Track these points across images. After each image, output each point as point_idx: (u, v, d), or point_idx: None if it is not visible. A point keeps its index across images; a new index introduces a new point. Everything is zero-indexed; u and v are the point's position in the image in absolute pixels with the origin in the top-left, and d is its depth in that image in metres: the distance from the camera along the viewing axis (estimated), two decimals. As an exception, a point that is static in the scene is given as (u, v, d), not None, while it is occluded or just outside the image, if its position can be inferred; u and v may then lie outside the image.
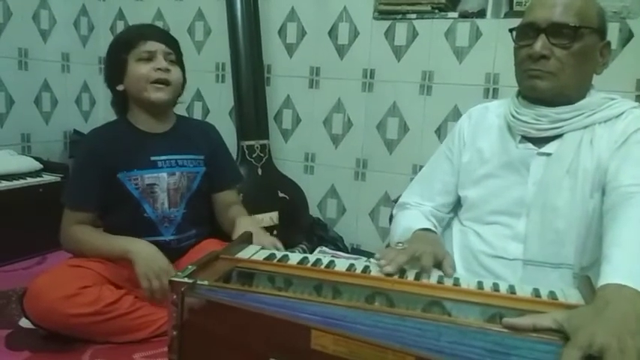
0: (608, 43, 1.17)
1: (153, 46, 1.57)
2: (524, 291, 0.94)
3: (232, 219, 1.65)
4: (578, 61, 1.11)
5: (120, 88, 1.60)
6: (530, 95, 1.17)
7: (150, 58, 1.56)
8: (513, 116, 1.18)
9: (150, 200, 1.60)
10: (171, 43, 1.62)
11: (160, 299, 1.45)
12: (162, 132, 1.65)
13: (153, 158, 1.61)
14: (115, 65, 1.60)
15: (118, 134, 1.62)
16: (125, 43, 1.59)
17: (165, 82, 1.57)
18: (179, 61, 1.64)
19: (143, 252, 1.47)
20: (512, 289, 0.95)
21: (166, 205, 1.61)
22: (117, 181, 1.57)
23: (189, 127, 1.73)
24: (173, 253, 1.63)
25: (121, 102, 1.65)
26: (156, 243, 1.59)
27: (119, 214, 1.61)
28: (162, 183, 1.61)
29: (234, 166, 1.86)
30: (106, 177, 1.57)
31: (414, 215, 1.31)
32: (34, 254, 2.20)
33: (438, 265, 1.06)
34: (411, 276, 1.01)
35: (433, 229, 1.25)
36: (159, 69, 1.56)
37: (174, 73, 1.60)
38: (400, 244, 1.10)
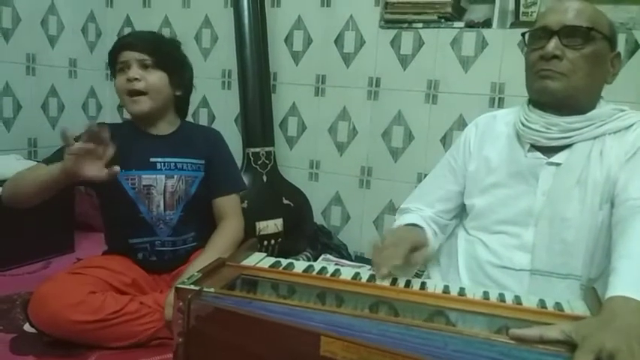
0: (619, 54, 1.18)
1: (125, 56, 1.55)
2: (530, 302, 0.94)
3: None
4: (589, 64, 1.11)
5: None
6: (540, 99, 1.16)
7: (125, 68, 1.55)
8: (523, 124, 1.18)
9: (145, 201, 1.60)
10: (147, 47, 1.55)
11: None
12: (165, 134, 1.65)
13: (152, 159, 1.61)
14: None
15: (119, 134, 1.57)
16: (109, 57, 1.61)
17: (139, 92, 1.55)
18: (162, 62, 1.57)
19: None
20: (518, 300, 0.95)
21: (162, 207, 1.61)
22: (114, 179, 1.56)
23: (193, 132, 1.73)
24: (169, 258, 1.63)
25: None
26: (152, 243, 1.60)
27: (115, 212, 1.62)
28: (160, 185, 1.60)
29: (233, 174, 1.76)
30: None
31: (410, 217, 1.31)
32: (39, 259, 2.21)
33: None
34: (416, 285, 1.01)
35: (425, 227, 1.27)
36: (128, 79, 1.54)
37: (149, 79, 1.55)
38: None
